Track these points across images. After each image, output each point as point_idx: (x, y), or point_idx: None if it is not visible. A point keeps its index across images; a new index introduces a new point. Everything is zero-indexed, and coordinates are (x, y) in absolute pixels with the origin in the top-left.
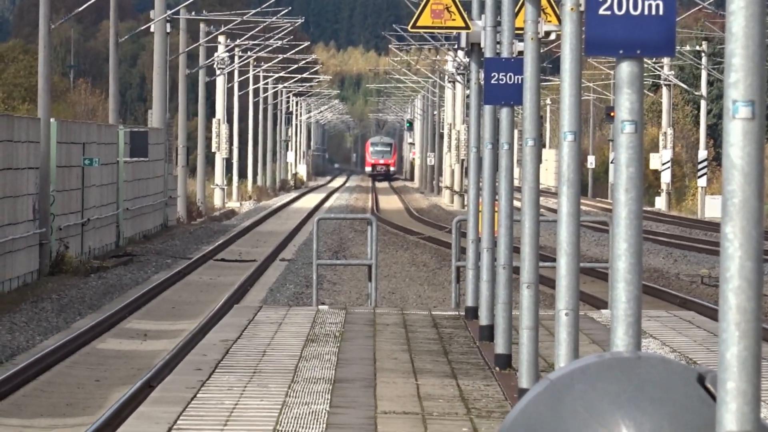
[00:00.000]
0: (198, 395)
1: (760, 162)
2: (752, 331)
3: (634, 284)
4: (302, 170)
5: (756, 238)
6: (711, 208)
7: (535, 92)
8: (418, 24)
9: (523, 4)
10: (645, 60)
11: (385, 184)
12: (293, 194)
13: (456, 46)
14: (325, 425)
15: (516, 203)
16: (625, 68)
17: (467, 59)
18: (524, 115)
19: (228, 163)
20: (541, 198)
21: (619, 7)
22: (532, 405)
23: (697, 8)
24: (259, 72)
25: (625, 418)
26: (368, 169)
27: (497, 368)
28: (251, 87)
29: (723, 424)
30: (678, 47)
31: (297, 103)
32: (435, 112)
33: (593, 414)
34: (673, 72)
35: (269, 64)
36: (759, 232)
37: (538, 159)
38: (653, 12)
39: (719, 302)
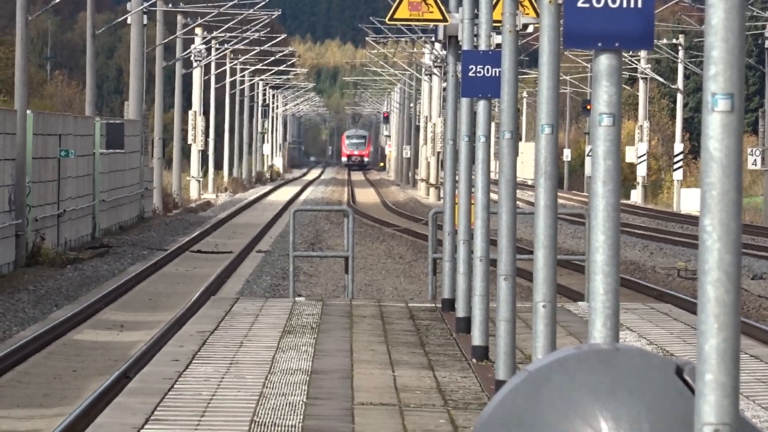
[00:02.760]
0: (175, 386)
1: (738, 155)
2: (731, 323)
3: (612, 276)
4: (278, 162)
5: (734, 230)
6: (687, 201)
7: (512, 85)
8: (396, 16)
9: None
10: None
11: (361, 177)
12: (269, 186)
13: (433, 39)
14: (302, 416)
15: (493, 196)
16: (604, 61)
17: (444, 52)
18: (501, 108)
19: (204, 155)
20: (518, 191)
21: (598, 0)
22: (510, 397)
23: (673, 1)
24: (235, 64)
25: (603, 409)
26: (344, 159)
27: (474, 360)
28: (228, 79)
29: (701, 416)
30: (655, 40)
31: (273, 95)
32: (411, 105)
33: (571, 406)
34: (649, 65)
35: (246, 56)
36: (737, 225)
37: (516, 152)
38: (631, 4)
39: (698, 294)
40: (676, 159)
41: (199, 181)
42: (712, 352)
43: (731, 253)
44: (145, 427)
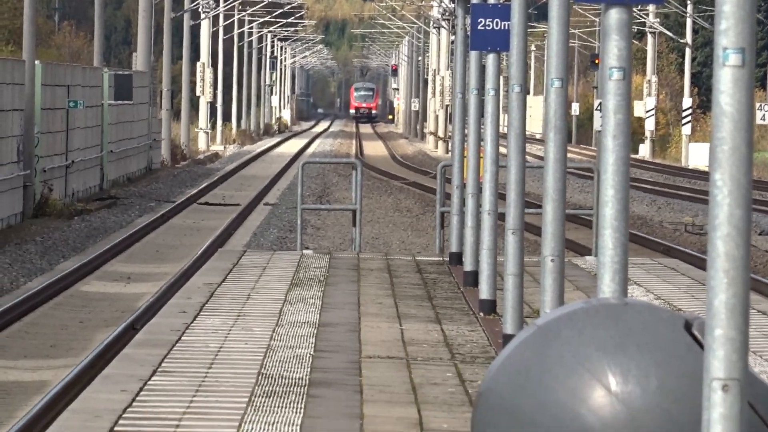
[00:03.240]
0: (182, 338)
1: (749, 109)
2: (740, 278)
3: (621, 231)
4: (286, 115)
5: (745, 185)
6: (695, 155)
7: (522, 38)
8: None
9: None
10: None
11: (369, 130)
12: (277, 138)
13: None
14: (309, 369)
15: (501, 150)
16: (614, 15)
17: (453, 5)
18: (510, 62)
19: (212, 107)
20: (526, 145)
21: None
22: (518, 351)
23: None
24: (244, 16)
25: (611, 364)
26: (352, 111)
27: (481, 314)
28: (236, 31)
29: (710, 371)
30: None
31: (282, 47)
32: (420, 58)
33: (580, 360)
34: (658, 20)
35: (254, 8)
36: (748, 180)
37: (524, 105)
38: None
39: (708, 249)
40: (684, 114)
41: (207, 133)
42: (722, 307)
43: (741, 208)
44: (152, 378)
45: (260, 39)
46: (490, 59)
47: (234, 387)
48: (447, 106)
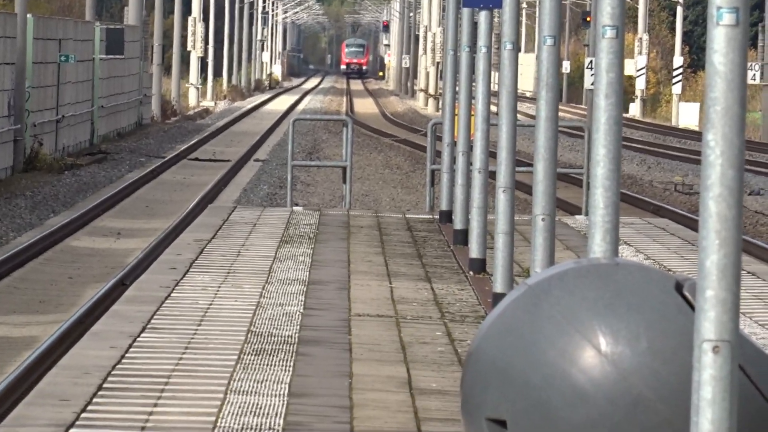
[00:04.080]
0: (172, 294)
1: (743, 69)
2: (732, 239)
3: (612, 190)
4: (277, 70)
5: (738, 146)
6: (685, 115)
7: None
8: None
9: None
10: None
11: (360, 87)
12: (268, 94)
13: None
14: (299, 327)
15: (492, 108)
16: None
17: None
18: (503, 19)
19: (203, 62)
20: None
21: None
22: (509, 310)
23: None
24: None
25: (601, 324)
26: (343, 67)
27: (471, 273)
28: None
29: (701, 332)
30: None
31: (273, 2)
32: (411, 14)
33: (570, 320)
34: None
35: None
36: (741, 140)
37: (516, 63)
38: None
39: (699, 210)
40: (675, 73)
41: (197, 89)
42: (713, 268)
43: (734, 168)
44: (142, 335)
45: None
46: (483, 16)
47: (223, 344)
48: (438, 63)
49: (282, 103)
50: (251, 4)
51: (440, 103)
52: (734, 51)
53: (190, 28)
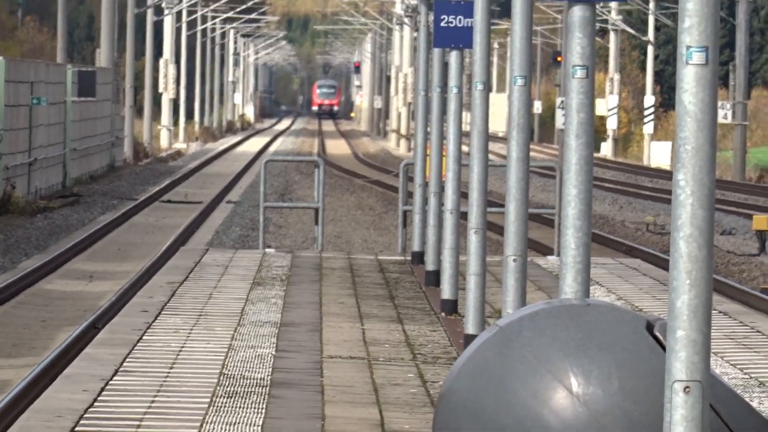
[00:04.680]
0: (144, 337)
1: (713, 108)
2: (703, 279)
3: (584, 231)
4: (249, 112)
5: (708, 186)
6: (657, 154)
7: (485, 35)
8: None
9: None
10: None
11: (332, 128)
12: (240, 136)
13: None
14: (271, 369)
15: (464, 148)
16: (577, 12)
17: (416, 1)
18: (474, 59)
19: (175, 103)
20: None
21: None
22: (480, 351)
23: None
24: (207, 12)
25: (573, 365)
26: (315, 108)
27: (443, 314)
28: (199, 27)
29: (672, 372)
30: None
31: (245, 44)
32: (383, 55)
33: (541, 361)
34: (620, 17)
35: (217, 3)
36: (711, 180)
37: (487, 103)
38: None
39: (670, 250)
40: (646, 112)
41: (170, 130)
42: (684, 308)
43: (704, 208)
44: (114, 378)
45: (223, 35)
46: (453, 56)
47: (195, 387)
48: (410, 103)
49: (254, 144)
50: (222, 46)
51: (412, 143)
52: (704, 90)
53: (161, 70)
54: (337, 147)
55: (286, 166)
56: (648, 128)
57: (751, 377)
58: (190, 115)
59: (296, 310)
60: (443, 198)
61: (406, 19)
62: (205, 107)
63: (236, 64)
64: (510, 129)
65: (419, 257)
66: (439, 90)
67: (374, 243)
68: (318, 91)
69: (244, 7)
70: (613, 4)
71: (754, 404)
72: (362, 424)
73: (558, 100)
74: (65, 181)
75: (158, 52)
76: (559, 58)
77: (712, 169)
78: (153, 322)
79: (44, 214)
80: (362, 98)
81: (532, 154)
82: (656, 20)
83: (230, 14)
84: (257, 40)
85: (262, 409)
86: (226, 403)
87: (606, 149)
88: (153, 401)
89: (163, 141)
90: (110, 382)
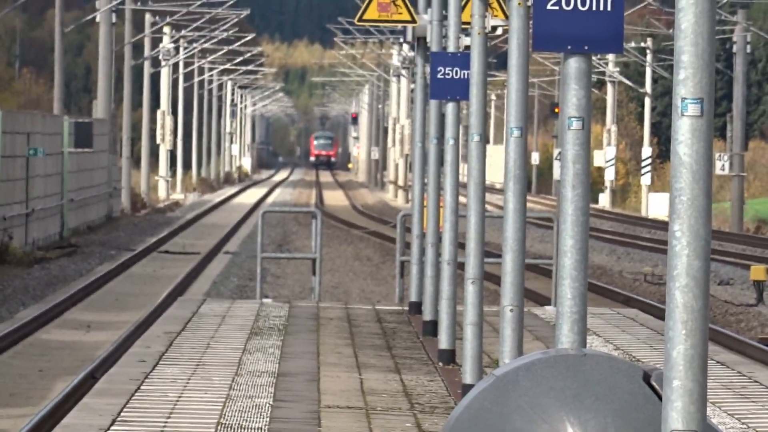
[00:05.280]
0: (142, 387)
1: (708, 160)
2: (699, 330)
3: (580, 281)
4: (246, 163)
5: (704, 236)
6: (654, 205)
7: (481, 87)
8: (365, 17)
9: None
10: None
11: (329, 179)
12: (237, 187)
13: (402, 40)
14: (268, 419)
15: (461, 199)
16: (573, 64)
17: (413, 53)
18: (470, 111)
19: (172, 154)
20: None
21: (567, 3)
22: (477, 401)
23: (642, 5)
24: (204, 63)
25: (569, 415)
26: (312, 159)
27: (440, 364)
28: (196, 78)
29: (668, 422)
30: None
31: (242, 95)
32: (380, 106)
33: (538, 411)
34: (617, 69)
35: (214, 55)
36: (707, 231)
37: (484, 154)
38: (601, 7)
39: (666, 300)
40: (644, 163)
41: (167, 181)
42: (680, 359)
43: (700, 258)
44: (112, 428)
45: (220, 87)
46: (450, 108)
47: None
48: (407, 155)
49: (251, 195)
50: (219, 97)
51: (410, 194)
52: (699, 142)
53: (158, 121)
54: (335, 198)
55: (284, 216)
56: (645, 179)
57: (749, 427)
58: (187, 166)
59: (294, 360)
60: (440, 249)
61: (403, 71)
62: (203, 158)
63: (233, 115)
64: (506, 180)
65: (416, 307)
66: (435, 141)
67: (372, 293)
68: (315, 142)
69: (241, 59)
70: (610, 57)
71: None
72: None
73: (555, 152)
74: (63, 232)
75: (155, 103)
76: (556, 110)
77: (708, 220)
78: (151, 372)
79: (41, 264)
80: (359, 149)
81: (529, 205)
82: (653, 72)
83: (227, 66)
84: (254, 91)
85: None
86: None
87: (604, 200)
88: None
89: (161, 192)
90: None
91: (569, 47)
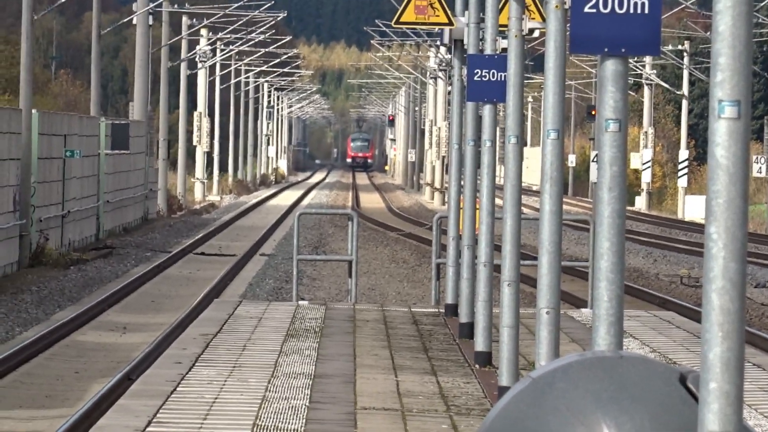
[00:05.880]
0: (178, 389)
1: (745, 162)
2: (735, 332)
3: (616, 283)
4: (283, 165)
5: (740, 239)
6: (691, 208)
7: (518, 90)
8: (402, 20)
9: (507, 1)
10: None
11: (366, 181)
12: (273, 189)
13: (438, 43)
14: (304, 420)
15: (498, 201)
16: (610, 66)
17: (450, 56)
18: (507, 113)
19: (209, 156)
20: (523, 196)
21: (605, 5)
22: (513, 403)
23: (680, 8)
24: (240, 66)
25: (606, 417)
26: (349, 160)
27: (477, 366)
28: (233, 80)
29: (705, 424)
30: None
31: (278, 97)
32: (416, 108)
33: (574, 413)
34: (654, 71)
35: (251, 57)
36: (743, 233)
37: (521, 157)
38: (638, 10)
39: (702, 303)
40: (680, 166)
41: (203, 183)
42: (716, 361)
43: (737, 261)
44: (148, 429)
45: (257, 89)
46: (487, 110)
47: None
48: (443, 157)
49: (287, 197)
50: (256, 99)
51: (446, 196)
52: (736, 144)
53: (195, 123)
54: (371, 200)
55: (320, 218)
56: (682, 182)
57: None
58: (223, 168)
59: (330, 362)
60: (477, 251)
61: (439, 73)
62: (239, 160)
63: (270, 117)
64: (543, 182)
65: (453, 309)
66: (472, 143)
67: (408, 295)
68: (352, 144)
69: (277, 61)
70: (647, 59)
71: None
72: None
73: (592, 154)
74: (99, 233)
75: (192, 105)
76: (593, 112)
77: (745, 223)
78: (187, 373)
79: (77, 266)
80: (396, 151)
81: (566, 207)
82: (690, 74)
83: (264, 68)
84: (291, 93)
85: None
86: None
87: (640, 203)
88: None
89: (197, 194)
90: None
91: (606, 50)
